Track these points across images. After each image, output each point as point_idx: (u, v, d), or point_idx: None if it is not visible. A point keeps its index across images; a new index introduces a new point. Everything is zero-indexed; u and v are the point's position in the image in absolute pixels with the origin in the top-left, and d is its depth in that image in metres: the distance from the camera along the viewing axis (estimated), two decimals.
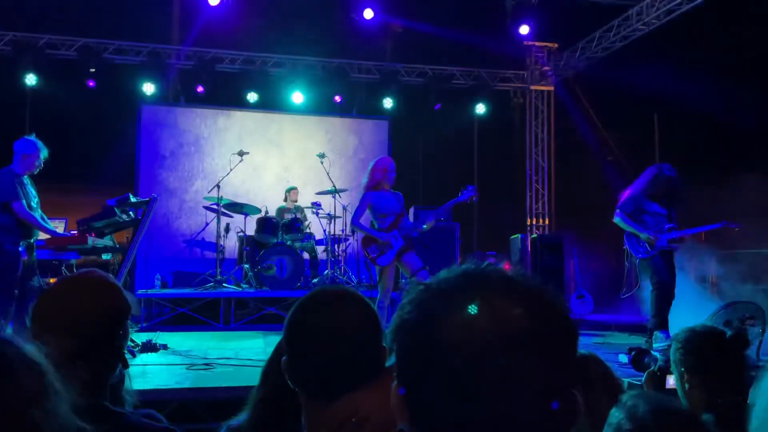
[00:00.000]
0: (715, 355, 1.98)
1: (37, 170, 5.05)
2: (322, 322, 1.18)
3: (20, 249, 4.82)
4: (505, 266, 0.78)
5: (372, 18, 8.91)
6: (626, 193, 5.59)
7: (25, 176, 5.00)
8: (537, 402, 0.65)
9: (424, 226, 5.65)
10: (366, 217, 5.66)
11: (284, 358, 1.21)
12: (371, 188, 5.56)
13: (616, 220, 5.53)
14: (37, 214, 5.03)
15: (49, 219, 5.32)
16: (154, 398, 3.46)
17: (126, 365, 1.44)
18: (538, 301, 0.69)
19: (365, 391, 1.15)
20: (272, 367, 1.53)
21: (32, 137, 5.02)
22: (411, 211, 8.43)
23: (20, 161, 4.94)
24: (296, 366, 1.18)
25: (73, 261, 5.39)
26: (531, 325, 0.66)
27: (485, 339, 0.65)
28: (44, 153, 5.02)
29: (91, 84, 9.53)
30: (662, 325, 5.25)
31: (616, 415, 1.26)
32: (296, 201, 8.86)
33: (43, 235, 5.12)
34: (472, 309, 0.67)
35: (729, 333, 2.04)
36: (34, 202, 5.03)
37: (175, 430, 1.42)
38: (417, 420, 0.70)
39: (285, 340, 1.20)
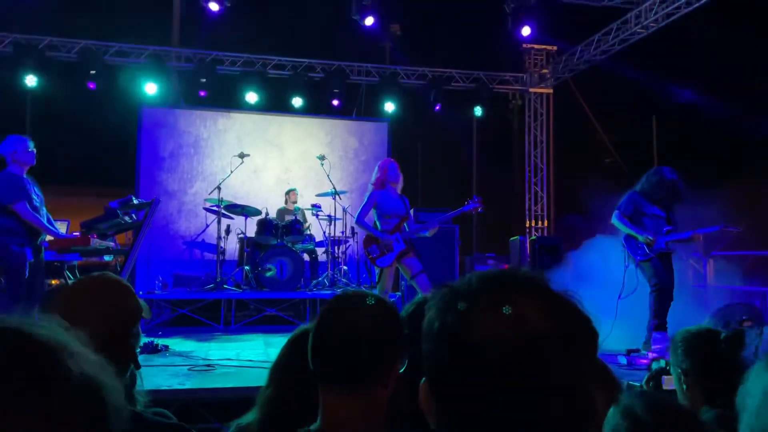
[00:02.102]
0: (712, 356, 2.01)
1: (34, 160, 4.93)
2: (349, 318, 1.30)
3: (26, 250, 4.80)
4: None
5: (373, 22, 8.94)
6: (626, 196, 5.61)
7: (26, 175, 4.93)
8: (558, 399, 0.68)
9: (427, 233, 5.72)
10: (370, 217, 5.71)
11: (310, 345, 1.31)
12: (376, 187, 5.64)
13: (614, 221, 5.56)
14: (43, 213, 5.00)
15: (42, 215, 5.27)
16: (156, 399, 3.48)
17: (138, 366, 1.47)
18: (560, 302, 0.72)
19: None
20: (279, 368, 1.56)
21: (9, 136, 4.92)
22: (411, 212, 8.46)
23: (12, 161, 4.86)
24: (322, 356, 1.29)
25: (76, 263, 5.41)
26: (554, 325, 0.69)
27: (510, 338, 0.68)
28: (30, 143, 4.91)
29: (91, 86, 9.55)
30: (661, 327, 5.28)
31: (613, 415, 1.29)
32: (296, 202, 8.90)
33: (47, 237, 5.11)
34: (497, 310, 0.70)
35: (724, 333, 2.07)
36: (37, 202, 4.99)
37: (184, 426, 1.45)
38: (444, 415, 0.73)
39: (315, 331, 1.31)
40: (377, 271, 5.61)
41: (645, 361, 4.78)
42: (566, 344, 0.69)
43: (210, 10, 8.50)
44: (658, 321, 5.30)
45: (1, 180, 4.81)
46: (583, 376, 0.71)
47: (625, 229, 5.49)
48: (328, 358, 1.27)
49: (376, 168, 5.76)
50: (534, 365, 0.67)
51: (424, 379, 0.77)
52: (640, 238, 5.38)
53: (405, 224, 5.64)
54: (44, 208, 5.05)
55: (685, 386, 2.04)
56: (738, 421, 1.77)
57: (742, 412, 1.04)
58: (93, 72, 9.48)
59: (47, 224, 5.00)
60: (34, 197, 4.95)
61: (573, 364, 0.69)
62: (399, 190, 5.73)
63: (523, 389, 0.67)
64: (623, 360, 4.82)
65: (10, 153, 4.86)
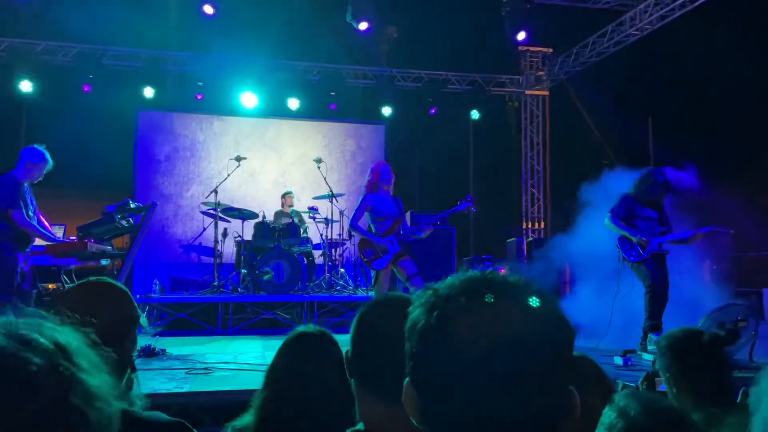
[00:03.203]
0: (697, 359, 2.03)
1: (37, 180, 5.04)
2: (391, 323, 1.19)
3: (17, 255, 4.83)
4: (500, 271, 0.82)
5: (367, 26, 8.97)
6: (619, 198, 5.64)
7: (26, 183, 4.99)
8: (537, 397, 0.71)
9: (422, 234, 5.74)
10: (364, 220, 5.74)
11: (346, 351, 1.26)
12: (369, 190, 5.68)
13: (607, 223, 5.59)
14: (35, 220, 5.04)
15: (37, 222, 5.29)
16: (154, 402, 3.48)
17: (134, 369, 1.48)
18: (537, 306, 0.74)
19: None
20: (276, 370, 1.57)
21: (41, 147, 5.00)
22: (408, 215, 8.48)
23: (23, 168, 4.92)
24: (362, 362, 1.23)
25: (72, 267, 5.41)
26: (531, 325, 0.72)
27: (489, 339, 0.71)
28: (50, 165, 5.00)
29: (86, 89, 9.54)
30: (656, 327, 5.30)
31: (608, 414, 1.31)
32: (292, 206, 8.90)
33: (41, 241, 5.13)
34: (477, 310, 0.73)
35: (706, 335, 2.09)
36: (31, 209, 5.02)
37: (184, 422, 1.46)
38: (427, 413, 0.76)
39: (354, 336, 1.25)
40: (373, 274, 5.65)
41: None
42: (544, 344, 0.72)
43: (205, 13, 8.50)
44: (653, 321, 5.32)
45: (5, 184, 4.85)
46: (562, 376, 0.73)
47: (618, 231, 5.52)
48: (373, 367, 1.20)
49: (369, 171, 5.82)
50: (513, 365, 0.70)
51: (408, 378, 0.79)
52: (634, 239, 5.41)
53: (399, 226, 5.66)
54: (36, 216, 5.08)
55: (674, 389, 2.06)
56: (730, 419, 1.79)
57: (755, 414, 1.05)
58: (90, 76, 9.49)
59: (42, 230, 5.02)
60: (30, 206, 4.98)
61: (552, 364, 0.72)
62: (391, 192, 5.77)
63: (503, 388, 0.70)
64: (619, 360, 4.84)
65: (27, 160, 4.93)
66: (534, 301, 0.74)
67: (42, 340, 0.67)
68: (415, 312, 0.79)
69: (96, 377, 0.68)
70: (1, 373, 0.61)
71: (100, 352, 0.72)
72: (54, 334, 0.69)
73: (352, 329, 1.28)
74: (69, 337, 0.70)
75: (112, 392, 0.69)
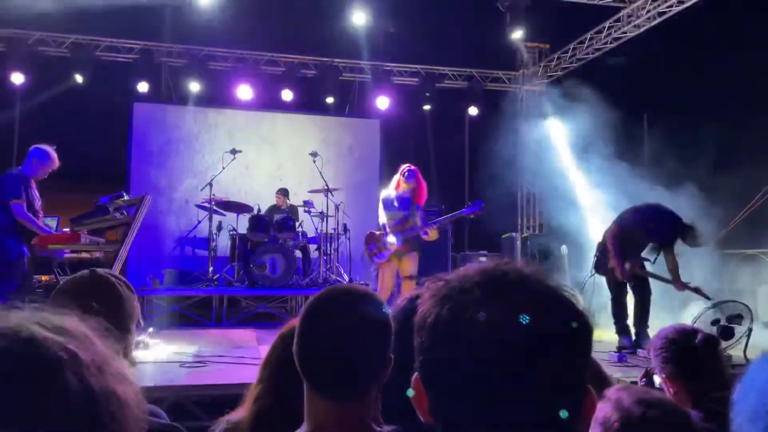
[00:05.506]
0: (691, 361, 2.03)
1: (42, 178, 5.20)
2: (336, 317, 1.19)
3: (23, 247, 4.92)
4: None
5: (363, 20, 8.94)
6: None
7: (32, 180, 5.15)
8: (554, 395, 0.67)
9: (426, 236, 5.83)
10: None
11: (295, 345, 1.21)
12: (394, 188, 5.91)
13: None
14: (41, 216, 5.15)
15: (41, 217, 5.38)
16: (147, 396, 3.46)
17: (133, 363, 1.46)
18: (554, 300, 0.71)
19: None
20: (269, 364, 1.56)
21: (50, 148, 5.17)
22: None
23: (30, 164, 5.11)
24: (305, 357, 1.20)
25: (65, 259, 5.40)
26: (548, 320, 0.68)
27: (504, 336, 0.67)
28: (55, 165, 5.18)
29: (78, 78, 9.44)
30: (623, 330, 5.41)
31: (602, 409, 1.30)
32: (288, 202, 8.85)
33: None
34: (492, 304, 0.69)
35: (699, 337, 2.09)
36: (36, 205, 5.17)
37: (177, 426, 1.45)
38: (436, 410, 0.72)
39: (300, 334, 1.21)
40: (377, 267, 5.84)
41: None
42: (561, 340, 0.69)
43: (200, 3, 8.43)
44: (619, 325, 5.46)
45: (11, 177, 5.00)
46: (578, 373, 0.70)
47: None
48: (316, 365, 1.17)
49: None
50: (529, 361, 0.67)
51: (416, 374, 0.75)
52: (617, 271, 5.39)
53: (410, 224, 5.82)
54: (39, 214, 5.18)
55: (672, 389, 2.06)
56: (727, 417, 1.79)
57: (738, 407, 1.02)
58: (83, 68, 9.42)
59: (40, 224, 5.10)
60: (35, 199, 5.13)
61: (568, 361, 0.69)
62: (420, 199, 5.89)
63: (518, 385, 0.67)
64: (614, 357, 4.86)
65: (33, 158, 5.12)
66: (552, 295, 0.71)
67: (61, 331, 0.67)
68: (426, 305, 0.74)
69: (116, 361, 0.69)
70: (27, 369, 0.60)
71: (113, 340, 0.73)
72: (69, 324, 0.69)
73: (299, 323, 1.21)
74: (83, 327, 0.70)
75: (133, 375, 0.70)
